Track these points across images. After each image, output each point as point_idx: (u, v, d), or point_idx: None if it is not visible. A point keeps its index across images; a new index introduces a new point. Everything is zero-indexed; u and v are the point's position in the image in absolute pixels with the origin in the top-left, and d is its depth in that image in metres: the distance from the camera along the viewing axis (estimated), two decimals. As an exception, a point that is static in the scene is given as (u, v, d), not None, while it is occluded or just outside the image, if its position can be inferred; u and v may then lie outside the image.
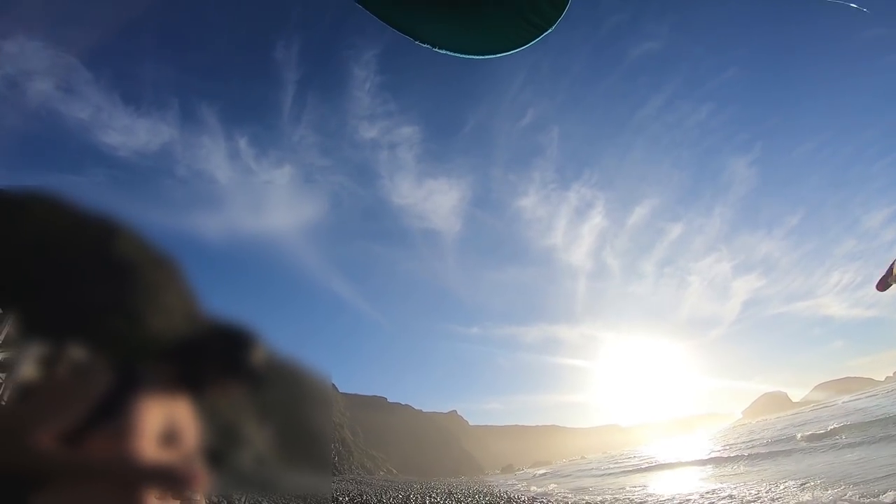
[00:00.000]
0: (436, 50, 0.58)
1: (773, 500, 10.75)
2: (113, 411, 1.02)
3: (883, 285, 1.24)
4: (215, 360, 1.20)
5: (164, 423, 1.09)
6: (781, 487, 11.70)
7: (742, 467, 20.43)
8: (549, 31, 0.70)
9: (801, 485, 11.29)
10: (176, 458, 1.09)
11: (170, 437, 1.10)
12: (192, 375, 1.17)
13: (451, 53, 0.62)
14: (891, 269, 1.18)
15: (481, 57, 0.70)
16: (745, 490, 12.98)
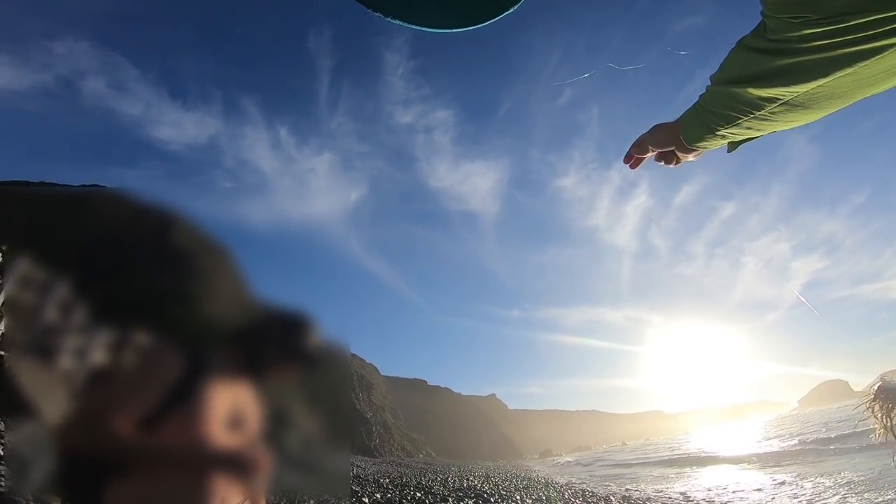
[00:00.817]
0: (388, 19, 0.56)
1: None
2: (184, 396, 1.05)
3: (629, 159, 1.08)
4: (275, 345, 1.22)
5: (230, 408, 1.11)
6: (829, 492, 10.53)
7: (791, 462, 18.87)
8: (512, 10, 0.68)
9: (851, 489, 10.13)
10: (241, 442, 1.11)
11: (235, 422, 1.12)
12: (253, 360, 1.19)
13: (406, 24, 0.61)
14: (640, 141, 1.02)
15: (437, 31, 0.69)
16: (789, 490, 11.98)
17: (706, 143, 0.86)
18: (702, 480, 17.97)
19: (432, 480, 18.83)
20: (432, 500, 9.59)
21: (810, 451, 20.49)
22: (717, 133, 0.80)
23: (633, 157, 1.03)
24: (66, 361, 1.13)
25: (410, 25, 0.68)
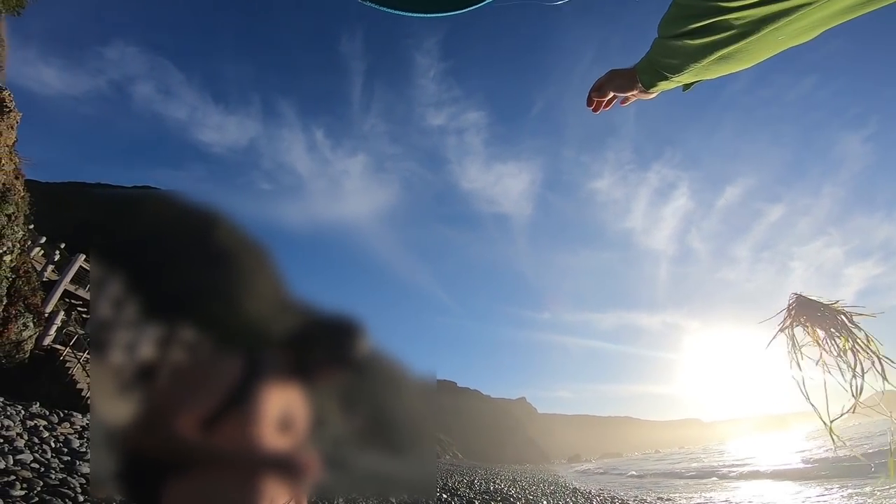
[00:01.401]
0: (365, 3, 0.58)
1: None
2: (242, 398, 1.05)
3: (591, 103, 1.14)
4: (325, 350, 1.21)
5: (281, 410, 1.11)
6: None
7: (827, 476, 17.45)
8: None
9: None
10: (291, 444, 1.11)
11: (285, 424, 1.11)
12: (303, 364, 1.19)
13: (382, 8, 0.63)
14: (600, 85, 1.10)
15: (415, 15, 0.71)
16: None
17: (661, 86, 0.96)
18: (736, 493, 17.14)
19: (458, 482, 18.80)
20: (458, 503, 9.56)
21: (849, 466, 19.06)
22: (669, 79, 0.90)
23: (594, 102, 1.11)
24: (116, 356, 1.17)
25: (389, 10, 0.70)
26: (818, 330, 1.27)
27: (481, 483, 19.93)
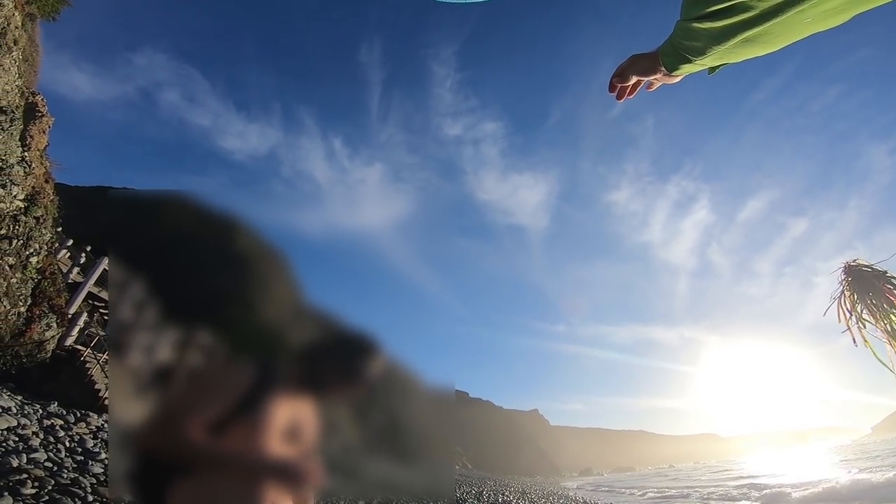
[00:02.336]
0: None
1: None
2: (251, 406, 1.08)
3: (614, 89, 1.08)
4: (337, 367, 1.22)
5: (289, 420, 1.13)
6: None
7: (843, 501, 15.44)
8: None
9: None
10: (296, 454, 1.13)
11: (292, 434, 1.13)
12: (316, 377, 1.20)
13: None
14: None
15: (450, 1, 0.75)
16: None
17: (685, 69, 0.93)
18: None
19: (467, 493, 18.59)
20: (468, 513, 9.41)
21: (868, 487, 17.71)
22: (693, 62, 0.88)
23: (616, 88, 1.07)
24: (136, 358, 1.20)
25: None
26: (873, 301, 1.19)
27: (490, 494, 19.67)
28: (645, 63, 0.99)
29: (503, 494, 20.83)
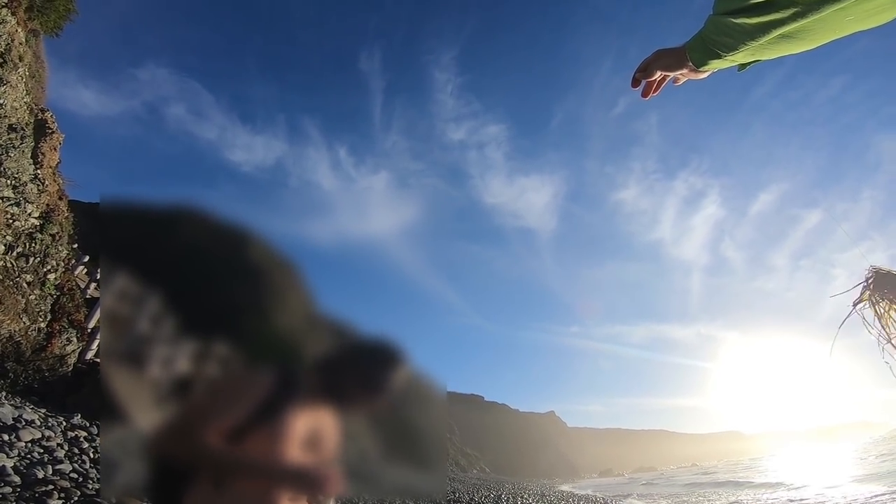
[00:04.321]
0: None
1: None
2: (270, 414, 1.08)
3: (637, 84, 1.02)
4: (361, 376, 1.20)
5: (309, 429, 1.14)
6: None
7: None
8: None
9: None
10: (315, 462, 1.13)
11: (313, 443, 1.14)
12: (338, 388, 1.20)
13: None
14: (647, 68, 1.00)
15: None
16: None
17: (714, 65, 0.90)
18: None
19: (485, 497, 18.46)
20: (488, 517, 9.34)
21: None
22: (723, 57, 0.85)
23: (640, 83, 1.03)
24: (154, 370, 1.22)
25: None
26: None
27: (508, 498, 19.50)
28: (670, 58, 0.96)
29: (522, 497, 20.63)
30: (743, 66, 0.88)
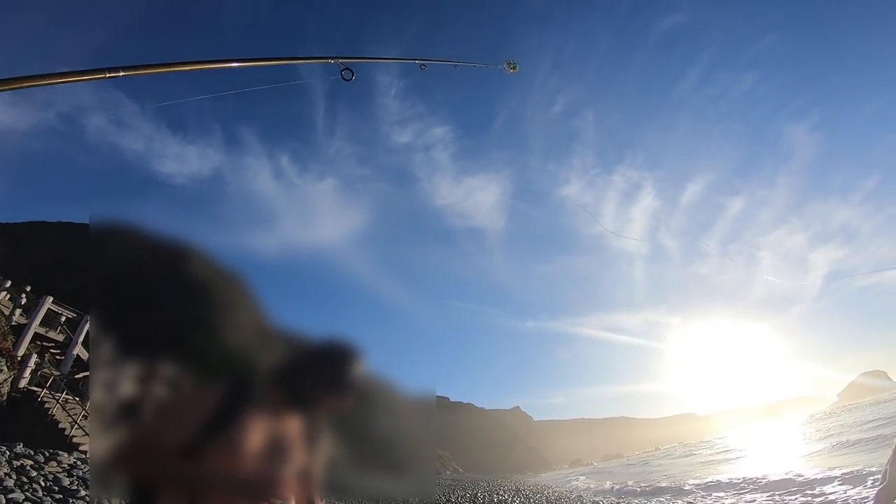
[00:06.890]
0: None
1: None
2: (223, 427, 1.08)
3: None
4: (323, 378, 1.22)
5: (270, 438, 1.13)
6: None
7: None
8: None
9: None
10: (277, 471, 1.13)
11: (274, 452, 1.14)
12: (302, 394, 1.20)
13: None
14: None
15: None
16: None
17: None
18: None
19: (462, 497, 18.52)
20: (463, 518, 9.38)
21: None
22: None
23: None
24: (96, 394, 1.19)
25: None
26: None
27: (484, 496, 19.67)
28: None
29: (497, 494, 20.87)
30: None
